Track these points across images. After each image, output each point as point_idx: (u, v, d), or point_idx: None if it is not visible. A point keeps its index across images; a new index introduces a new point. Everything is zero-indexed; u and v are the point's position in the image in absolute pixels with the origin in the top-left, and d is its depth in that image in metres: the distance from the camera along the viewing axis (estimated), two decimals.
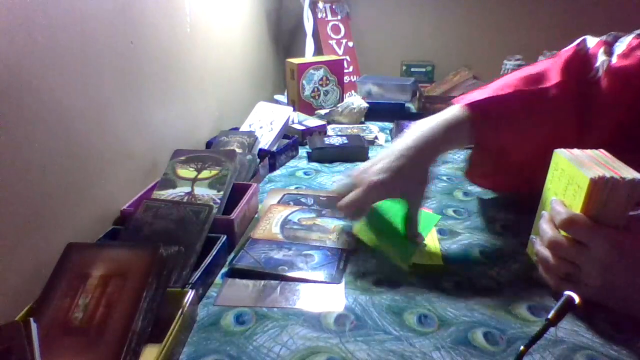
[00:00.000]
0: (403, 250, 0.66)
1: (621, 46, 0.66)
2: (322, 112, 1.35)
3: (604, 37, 0.70)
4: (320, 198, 0.85)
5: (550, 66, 0.69)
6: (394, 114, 1.33)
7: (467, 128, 0.67)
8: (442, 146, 0.67)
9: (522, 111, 0.67)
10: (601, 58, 0.67)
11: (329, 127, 1.24)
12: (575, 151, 0.58)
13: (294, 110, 1.25)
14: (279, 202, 0.84)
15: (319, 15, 1.59)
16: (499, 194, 0.86)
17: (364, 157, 1.06)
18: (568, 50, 0.71)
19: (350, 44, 1.64)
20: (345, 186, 0.67)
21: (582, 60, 0.69)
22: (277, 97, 1.53)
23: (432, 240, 0.70)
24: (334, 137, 1.12)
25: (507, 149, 0.69)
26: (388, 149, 0.67)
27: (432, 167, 0.66)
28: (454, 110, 0.68)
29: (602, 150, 0.57)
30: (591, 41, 0.70)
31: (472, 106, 0.67)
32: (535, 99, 0.67)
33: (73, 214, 0.64)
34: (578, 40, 0.71)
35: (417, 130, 0.67)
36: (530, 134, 0.68)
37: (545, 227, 0.56)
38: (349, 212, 0.66)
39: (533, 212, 0.64)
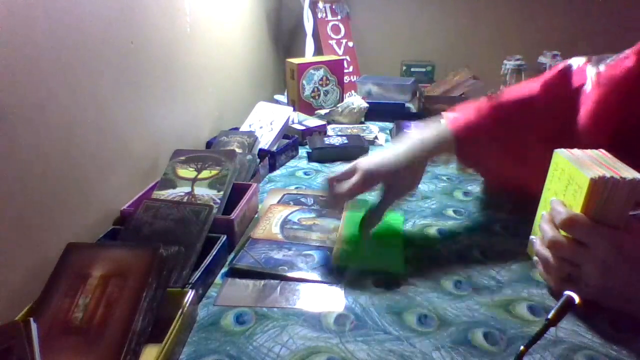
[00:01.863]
0: (392, 257, 0.67)
1: (610, 60, 0.67)
2: (322, 112, 1.35)
3: (590, 57, 0.71)
4: (320, 198, 0.85)
5: (531, 84, 0.73)
6: (394, 114, 1.33)
7: (453, 148, 0.72)
8: (432, 157, 0.72)
9: (500, 128, 0.71)
10: (590, 72, 0.68)
11: (329, 127, 1.24)
12: (576, 151, 0.57)
13: (294, 110, 1.24)
14: (279, 202, 0.84)
15: (319, 15, 1.59)
16: (498, 196, 0.86)
17: None
18: (550, 71, 0.74)
19: (350, 44, 1.64)
20: (338, 173, 0.69)
21: (562, 80, 0.71)
22: (277, 97, 1.53)
23: (397, 246, 0.70)
24: (334, 137, 1.12)
25: (487, 167, 0.76)
26: (382, 151, 0.70)
27: (420, 174, 0.70)
28: (442, 127, 0.72)
29: (602, 150, 0.57)
30: (576, 61, 0.71)
31: (456, 129, 0.72)
32: (516, 112, 0.72)
33: (73, 214, 0.64)
34: (561, 65, 0.73)
35: (411, 138, 0.71)
36: (509, 150, 0.71)
37: (546, 227, 0.56)
38: (341, 196, 0.67)
39: (533, 212, 0.64)
